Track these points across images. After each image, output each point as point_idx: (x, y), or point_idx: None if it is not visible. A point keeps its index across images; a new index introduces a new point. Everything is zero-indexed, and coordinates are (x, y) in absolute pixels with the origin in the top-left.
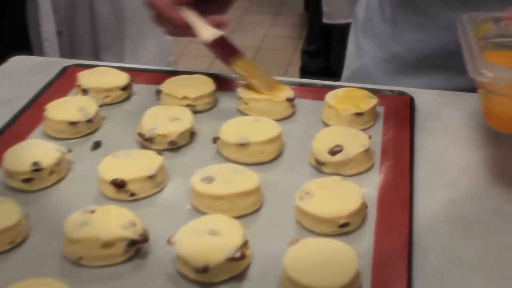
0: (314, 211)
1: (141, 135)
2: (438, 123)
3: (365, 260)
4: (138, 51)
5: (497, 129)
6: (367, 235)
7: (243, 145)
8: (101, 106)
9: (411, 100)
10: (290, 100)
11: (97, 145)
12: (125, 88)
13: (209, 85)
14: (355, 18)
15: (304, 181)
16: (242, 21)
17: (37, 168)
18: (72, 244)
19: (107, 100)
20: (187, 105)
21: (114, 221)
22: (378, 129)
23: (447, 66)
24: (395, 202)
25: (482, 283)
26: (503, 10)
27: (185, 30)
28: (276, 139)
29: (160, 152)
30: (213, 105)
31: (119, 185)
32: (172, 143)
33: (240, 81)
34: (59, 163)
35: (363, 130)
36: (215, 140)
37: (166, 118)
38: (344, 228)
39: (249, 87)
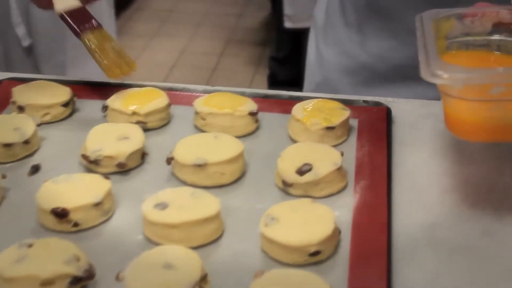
0: (281, 238)
1: (85, 157)
2: (418, 136)
3: None
4: (80, 62)
5: (460, 137)
6: (341, 265)
7: (200, 166)
8: (39, 125)
9: (388, 111)
10: (253, 114)
11: (35, 169)
12: (66, 104)
13: (162, 99)
14: (314, 22)
15: (269, 205)
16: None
17: None
18: (7, 284)
19: (47, 118)
20: (137, 122)
21: (55, 256)
22: (351, 145)
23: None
24: (372, 226)
25: None
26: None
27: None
28: (238, 158)
29: (107, 176)
30: (166, 122)
31: (60, 214)
32: (120, 165)
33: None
34: None
35: (334, 146)
36: (169, 161)
37: (113, 137)
38: (315, 257)
39: (207, 101)
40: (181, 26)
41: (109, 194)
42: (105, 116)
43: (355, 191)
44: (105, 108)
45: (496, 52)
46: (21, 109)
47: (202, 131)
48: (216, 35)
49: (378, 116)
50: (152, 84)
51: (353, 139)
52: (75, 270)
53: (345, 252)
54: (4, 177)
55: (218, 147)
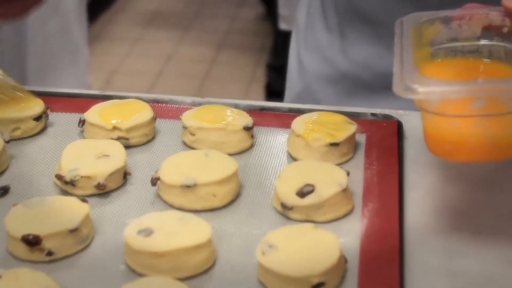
0: (280, 268)
1: (60, 177)
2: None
3: None
4: (44, 75)
5: (441, 157)
6: None
7: (189, 187)
8: (8, 141)
9: (399, 125)
10: (248, 128)
11: (3, 191)
12: (39, 117)
13: (145, 112)
14: (296, 25)
15: (267, 230)
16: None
17: None
18: None
19: (17, 134)
20: (119, 138)
21: None
22: (358, 163)
23: None
24: (382, 255)
25: None
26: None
27: None
28: (231, 178)
29: (84, 199)
30: (151, 137)
31: (32, 242)
32: (99, 186)
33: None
34: None
35: (339, 164)
36: (154, 181)
37: (91, 155)
38: None
39: (196, 115)
40: (167, 30)
41: (86, 219)
42: (82, 132)
43: (363, 215)
44: (82, 122)
45: (486, 60)
46: None
47: (191, 148)
48: (206, 40)
49: (388, 130)
50: (135, 96)
51: (360, 156)
52: None
53: (352, 284)
54: None
55: (209, 166)
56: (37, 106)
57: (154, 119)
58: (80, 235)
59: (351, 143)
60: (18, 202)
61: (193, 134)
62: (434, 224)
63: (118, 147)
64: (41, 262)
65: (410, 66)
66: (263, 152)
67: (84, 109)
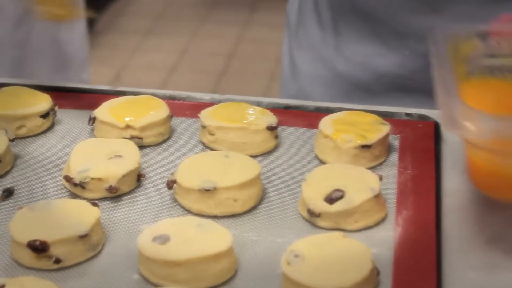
0: (307, 280)
1: (68, 179)
2: None
3: None
4: (24, 63)
5: (488, 194)
6: None
7: (208, 191)
8: (13, 140)
9: (436, 127)
10: (271, 128)
11: (8, 193)
12: (46, 114)
13: (161, 110)
14: (287, 22)
15: (292, 239)
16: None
17: None
18: None
19: (22, 132)
20: (132, 137)
21: None
22: (392, 167)
23: (413, 87)
24: (417, 267)
25: None
26: (471, 10)
27: None
28: (254, 182)
29: (95, 202)
30: (166, 137)
31: (38, 248)
32: (111, 189)
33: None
34: None
35: (371, 168)
36: (171, 184)
37: (102, 156)
38: None
39: (215, 113)
40: (180, 22)
41: (97, 225)
42: (92, 130)
43: (397, 223)
44: (92, 120)
45: None
46: None
47: (210, 148)
48: (224, 32)
49: (424, 132)
50: (149, 92)
51: (393, 160)
52: None
53: None
54: None
55: (229, 169)
56: (44, 102)
57: (170, 117)
58: (90, 241)
59: (384, 145)
60: (23, 205)
61: (212, 134)
62: (473, 234)
63: (132, 147)
64: (48, 270)
65: (456, 96)
66: (288, 154)
67: (94, 106)
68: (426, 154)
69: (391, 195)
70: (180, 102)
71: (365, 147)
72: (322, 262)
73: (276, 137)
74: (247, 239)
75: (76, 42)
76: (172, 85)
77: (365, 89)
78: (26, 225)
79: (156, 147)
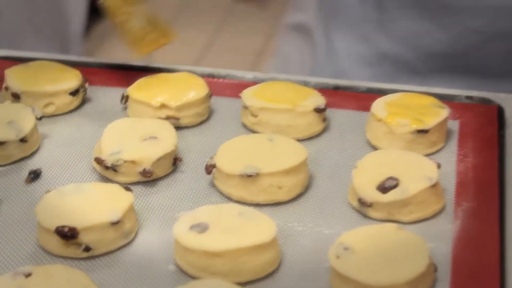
0: (358, 275)
1: (99, 161)
2: None
3: None
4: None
5: None
6: None
7: (251, 177)
8: (40, 118)
9: (500, 111)
10: (319, 110)
11: (34, 175)
12: (75, 92)
13: (199, 88)
14: None
15: (341, 230)
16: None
17: None
18: None
19: (50, 110)
20: (168, 118)
21: None
22: (450, 155)
23: (466, 68)
24: (479, 264)
25: None
26: None
27: None
28: (300, 168)
29: (127, 187)
30: (205, 118)
31: (67, 235)
32: (145, 173)
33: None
34: None
35: (428, 155)
36: (209, 169)
37: (136, 137)
38: None
39: (259, 93)
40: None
41: (130, 211)
42: (125, 109)
43: (456, 216)
44: (125, 98)
45: None
46: (16, 97)
47: (253, 131)
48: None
49: (486, 117)
50: (187, 69)
51: (452, 147)
52: None
53: None
54: None
55: (273, 153)
56: (73, 78)
57: (209, 96)
58: (123, 229)
59: (442, 131)
60: (51, 189)
61: (255, 116)
62: None
63: (168, 128)
64: (77, 259)
65: None
66: (337, 138)
67: (128, 83)
68: (489, 141)
69: (450, 185)
70: (220, 80)
71: (421, 132)
72: (374, 256)
73: (324, 120)
74: (292, 230)
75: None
76: (209, 61)
77: (411, 70)
78: (54, 210)
79: (194, 129)
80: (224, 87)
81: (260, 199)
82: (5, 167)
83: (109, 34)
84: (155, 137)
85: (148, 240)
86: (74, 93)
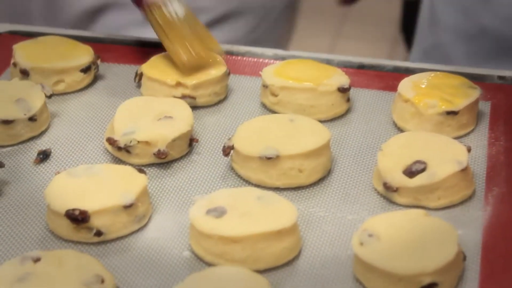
0: (383, 264)
1: (112, 141)
2: None
3: None
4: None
5: None
6: None
7: (270, 160)
8: (50, 96)
9: None
10: (343, 90)
11: (43, 156)
12: (87, 68)
13: (217, 66)
14: None
15: (365, 216)
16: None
17: None
18: None
19: (60, 88)
20: (184, 97)
21: (70, 275)
22: (481, 138)
23: None
24: (510, 253)
25: None
26: None
27: None
28: (322, 150)
29: (141, 169)
30: (223, 97)
31: (77, 219)
32: (160, 154)
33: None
34: None
35: (457, 138)
36: (227, 151)
37: (150, 117)
38: None
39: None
40: None
41: (144, 194)
42: (138, 87)
43: (486, 202)
44: (139, 76)
45: None
46: (25, 73)
47: (273, 111)
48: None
49: None
50: None
51: (483, 129)
52: None
53: (472, 287)
54: (1, 166)
55: (294, 135)
56: (85, 54)
57: (227, 74)
58: (136, 212)
59: (473, 112)
60: (61, 170)
61: (275, 95)
62: None
63: (183, 107)
64: (88, 244)
65: None
66: (362, 119)
67: (141, 60)
68: None
69: (481, 170)
70: (239, 57)
71: (451, 113)
72: (400, 243)
73: (348, 100)
74: (313, 215)
75: None
76: (227, 37)
77: (510, 48)
78: (64, 192)
79: (211, 108)
80: (243, 65)
81: (280, 182)
82: (13, 147)
83: None
84: (170, 117)
85: (162, 225)
86: (85, 70)
